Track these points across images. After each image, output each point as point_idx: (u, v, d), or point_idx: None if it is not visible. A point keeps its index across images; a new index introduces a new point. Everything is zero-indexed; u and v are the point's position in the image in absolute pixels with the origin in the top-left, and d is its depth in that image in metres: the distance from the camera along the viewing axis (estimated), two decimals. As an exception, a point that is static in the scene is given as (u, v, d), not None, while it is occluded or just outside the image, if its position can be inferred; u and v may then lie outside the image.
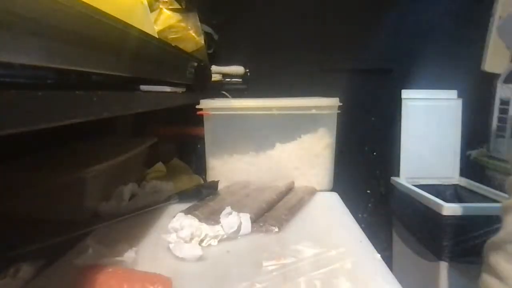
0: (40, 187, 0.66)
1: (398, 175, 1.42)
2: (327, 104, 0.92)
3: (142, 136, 1.08)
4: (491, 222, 0.99)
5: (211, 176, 0.96)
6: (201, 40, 1.00)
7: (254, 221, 0.66)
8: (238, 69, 1.34)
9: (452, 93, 1.41)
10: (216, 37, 1.26)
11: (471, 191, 1.32)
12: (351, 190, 1.30)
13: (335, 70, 1.44)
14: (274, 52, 1.41)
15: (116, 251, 0.53)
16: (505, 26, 0.51)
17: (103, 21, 0.41)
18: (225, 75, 1.34)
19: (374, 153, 1.50)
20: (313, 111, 0.91)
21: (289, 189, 0.87)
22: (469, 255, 1.02)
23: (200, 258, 0.55)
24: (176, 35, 0.93)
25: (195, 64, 0.91)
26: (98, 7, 0.39)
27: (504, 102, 1.31)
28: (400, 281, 0.49)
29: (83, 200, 0.70)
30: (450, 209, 1.05)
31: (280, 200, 0.79)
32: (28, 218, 0.65)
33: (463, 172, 1.40)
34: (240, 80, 1.35)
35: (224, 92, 1.32)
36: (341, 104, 0.93)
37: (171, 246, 0.56)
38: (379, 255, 0.56)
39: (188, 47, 0.97)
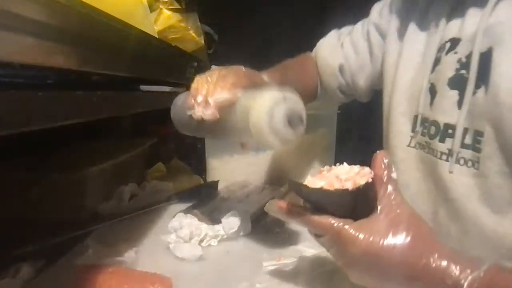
0: (40, 187, 0.66)
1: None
2: (327, 104, 0.92)
3: (142, 136, 1.08)
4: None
5: (211, 176, 0.95)
6: (201, 40, 1.00)
7: (254, 221, 0.66)
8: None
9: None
10: (216, 37, 1.26)
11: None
12: (351, 190, 1.30)
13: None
14: (274, 52, 1.41)
15: (116, 251, 0.53)
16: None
17: (104, 21, 0.41)
18: (225, 75, 1.33)
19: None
20: (313, 111, 0.90)
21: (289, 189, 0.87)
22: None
23: (200, 258, 0.55)
24: (176, 35, 0.93)
25: (195, 64, 0.91)
26: (99, 7, 0.39)
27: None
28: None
29: (83, 200, 0.70)
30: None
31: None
32: (28, 218, 0.65)
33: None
34: (240, 80, 1.35)
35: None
36: (341, 104, 0.93)
37: (171, 246, 0.56)
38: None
39: (188, 47, 0.97)
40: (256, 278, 0.49)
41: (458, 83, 0.48)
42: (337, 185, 0.37)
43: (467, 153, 0.47)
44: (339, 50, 0.72)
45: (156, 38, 0.76)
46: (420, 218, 0.36)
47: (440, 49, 0.51)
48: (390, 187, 0.37)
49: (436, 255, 0.33)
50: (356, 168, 0.39)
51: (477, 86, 0.45)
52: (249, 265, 0.53)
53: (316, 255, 0.55)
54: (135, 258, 0.53)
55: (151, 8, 0.86)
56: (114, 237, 0.60)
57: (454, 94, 0.48)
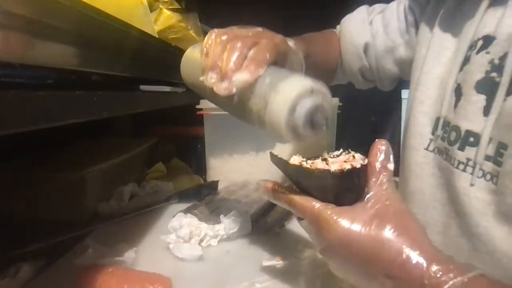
0: (40, 187, 0.66)
1: (398, 175, 1.41)
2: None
3: (142, 136, 1.09)
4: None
5: (211, 176, 0.95)
6: (201, 40, 1.00)
7: (254, 221, 0.66)
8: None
9: (452, 93, 1.40)
10: (216, 37, 1.25)
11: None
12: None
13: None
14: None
15: (116, 251, 0.53)
16: None
17: (104, 21, 0.41)
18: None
19: (374, 153, 1.50)
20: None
21: (289, 189, 0.87)
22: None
23: (200, 258, 0.55)
24: (176, 35, 0.93)
25: (195, 64, 0.91)
26: (99, 7, 0.39)
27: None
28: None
29: (83, 200, 0.70)
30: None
31: (280, 200, 0.79)
32: (28, 218, 0.65)
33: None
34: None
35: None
36: (341, 104, 0.93)
37: (171, 246, 0.56)
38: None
39: (188, 47, 0.97)
40: (256, 278, 0.49)
41: (486, 87, 0.42)
42: (320, 166, 0.35)
43: (487, 165, 0.41)
44: (367, 27, 0.65)
45: (156, 38, 0.76)
46: (410, 213, 0.34)
47: (471, 46, 0.45)
48: (382, 177, 0.35)
49: (417, 252, 0.31)
50: (350, 153, 0.37)
51: (508, 93, 0.40)
52: (249, 265, 0.53)
53: (316, 255, 0.55)
54: (134, 258, 0.53)
55: (151, 8, 0.86)
56: (114, 237, 0.60)
57: (480, 99, 0.43)
